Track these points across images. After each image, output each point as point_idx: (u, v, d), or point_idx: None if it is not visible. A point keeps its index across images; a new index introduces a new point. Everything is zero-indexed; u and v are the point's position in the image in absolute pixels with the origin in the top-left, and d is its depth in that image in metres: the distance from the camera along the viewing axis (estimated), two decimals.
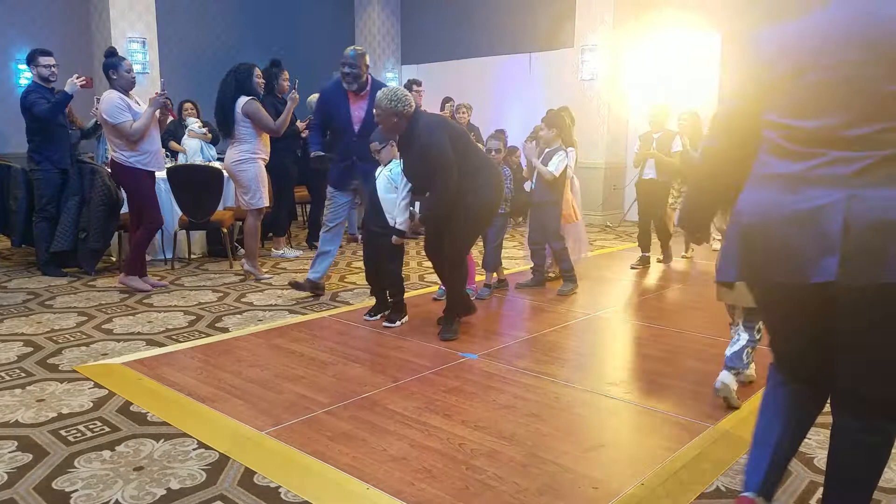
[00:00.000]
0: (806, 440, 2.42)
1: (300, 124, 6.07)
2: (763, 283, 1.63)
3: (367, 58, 4.28)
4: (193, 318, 4.12)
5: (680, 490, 2.12)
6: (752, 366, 2.91)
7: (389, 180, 3.84)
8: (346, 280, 5.18)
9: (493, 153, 4.50)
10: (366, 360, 3.33)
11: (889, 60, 1.34)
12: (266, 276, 5.20)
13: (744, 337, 2.76)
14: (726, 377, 2.73)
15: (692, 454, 2.35)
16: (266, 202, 5.07)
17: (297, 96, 5.02)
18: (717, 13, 7.98)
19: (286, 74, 5.88)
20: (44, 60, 5.05)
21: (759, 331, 2.77)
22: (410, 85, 6.89)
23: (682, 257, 6.11)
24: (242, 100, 4.75)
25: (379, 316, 4.03)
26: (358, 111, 4.30)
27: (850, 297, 1.45)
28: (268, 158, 5.16)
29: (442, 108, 7.76)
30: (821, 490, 2.10)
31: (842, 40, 1.39)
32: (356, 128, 4.28)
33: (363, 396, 2.86)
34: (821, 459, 2.29)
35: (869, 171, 1.38)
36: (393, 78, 10.85)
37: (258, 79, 4.92)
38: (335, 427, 2.57)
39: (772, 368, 1.83)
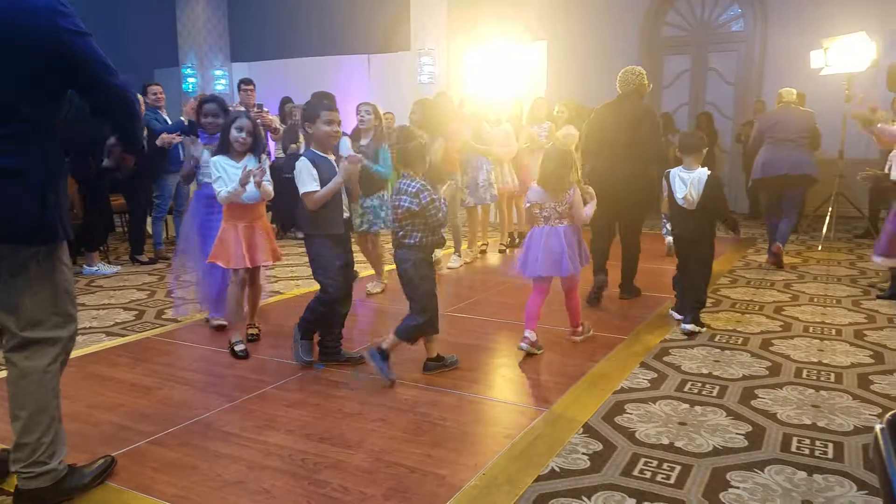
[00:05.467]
0: (628, 415, 2.64)
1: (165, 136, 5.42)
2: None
3: None
4: None
5: (518, 475, 2.20)
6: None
7: None
8: (172, 296, 4.76)
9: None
10: (197, 382, 3.08)
11: None
12: None
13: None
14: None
15: (529, 439, 2.46)
16: None
17: None
18: (540, 22, 8.52)
19: None
20: None
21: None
22: (240, 84, 6.53)
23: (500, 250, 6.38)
24: None
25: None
26: None
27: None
28: None
29: (281, 109, 7.38)
30: (643, 461, 2.29)
31: None
32: None
33: (194, 420, 2.64)
34: (642, 433, 2.50)
35: None
36: (222, 76, 10.25)
37: None
38: (161, 457, 2.34)
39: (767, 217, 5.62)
